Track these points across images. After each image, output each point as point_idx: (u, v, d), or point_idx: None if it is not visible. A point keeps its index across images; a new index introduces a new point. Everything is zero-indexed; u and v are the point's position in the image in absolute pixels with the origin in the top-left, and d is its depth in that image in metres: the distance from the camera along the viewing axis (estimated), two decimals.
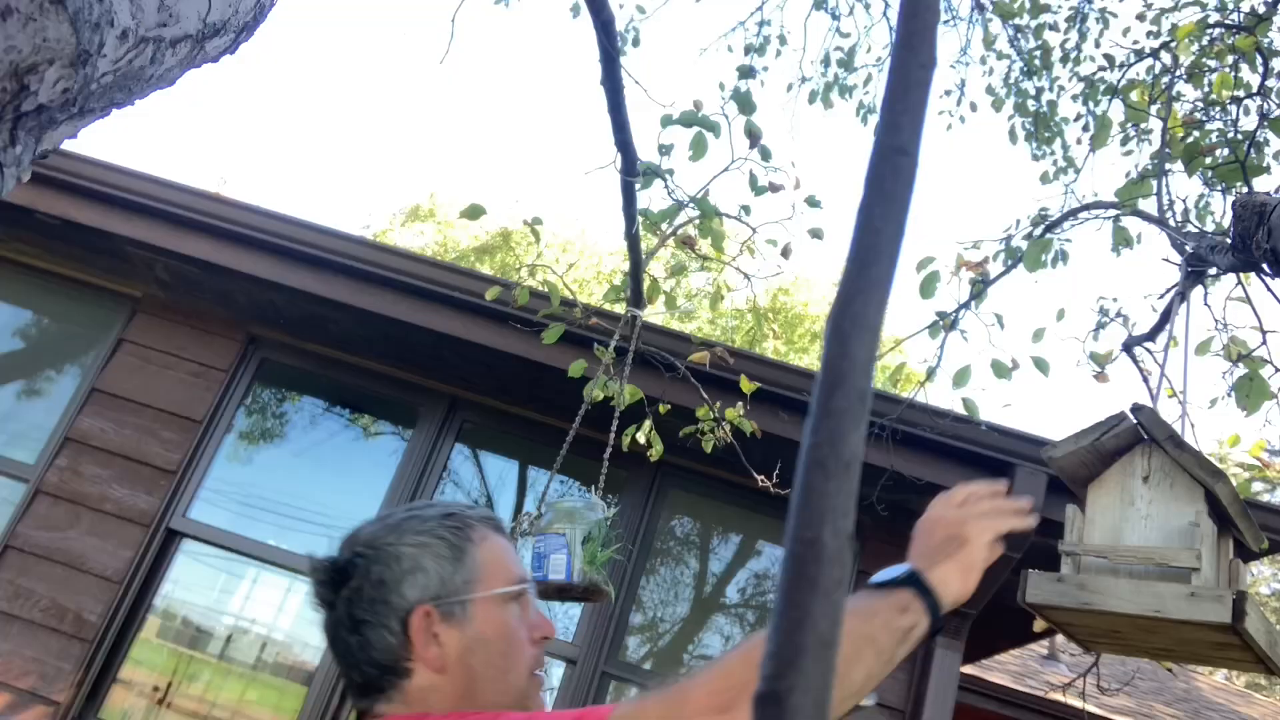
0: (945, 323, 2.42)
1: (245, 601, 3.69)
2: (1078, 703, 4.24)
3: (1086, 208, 2.25)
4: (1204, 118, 3.12)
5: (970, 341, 2.47)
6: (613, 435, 2.31)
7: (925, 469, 3.29)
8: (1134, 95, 3.00)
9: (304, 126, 36.94)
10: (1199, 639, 1.03)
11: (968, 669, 6.11)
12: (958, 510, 1.01)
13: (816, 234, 2.40)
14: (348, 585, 1.02)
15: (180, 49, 0.79)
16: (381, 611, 0.99)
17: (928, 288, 2.40)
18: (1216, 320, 2.05)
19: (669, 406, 2.94)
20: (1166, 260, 1.63)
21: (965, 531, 0.98)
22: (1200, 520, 1.03)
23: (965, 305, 2.41)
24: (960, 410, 2.59)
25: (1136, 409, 1.11)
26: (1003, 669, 6.86)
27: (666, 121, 2.14)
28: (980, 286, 2.39)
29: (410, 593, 1.00)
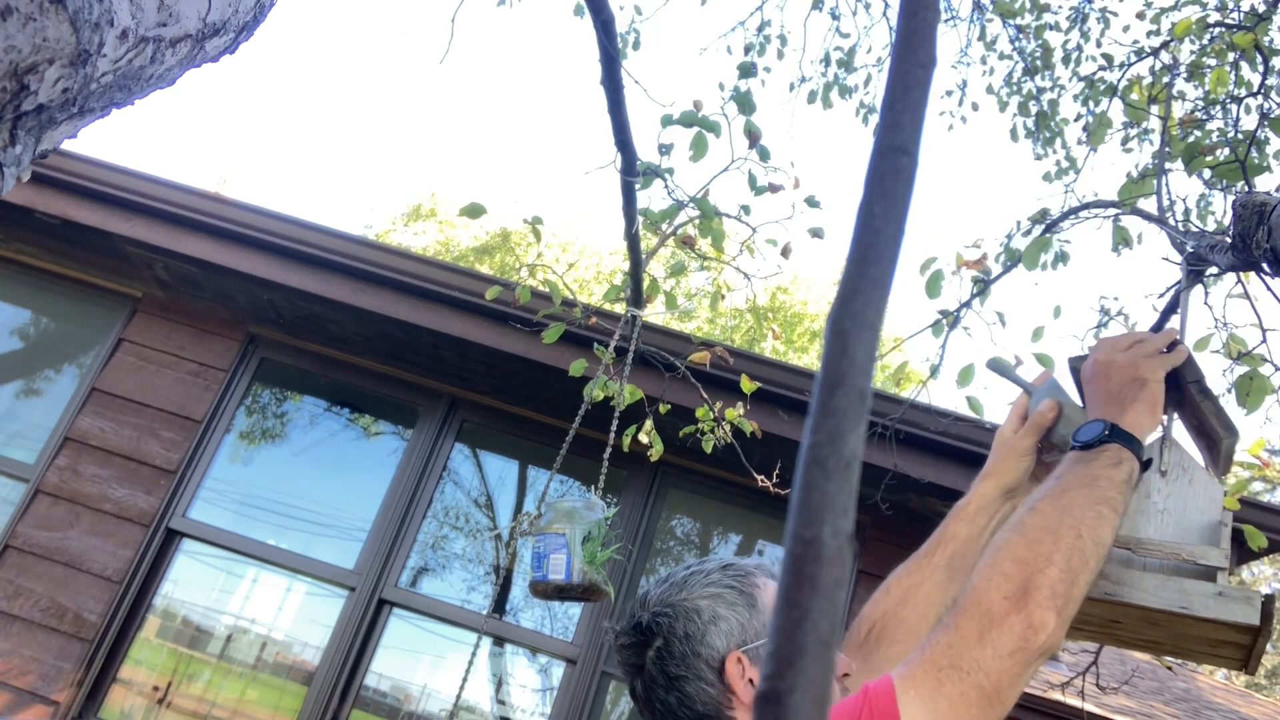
0: (948, 320, 2.42)
1: (245, 601, 3.69)
2: (1077, 702, 4.24)
3: (1086, 206, 2.25)
4: (1204, 117, 3.12)
5: (973, 339, 2.47)
6: (612, 435, 2.31)
7: (926, 469, 3.29)
8: (1134, 95, 3.01)
9: (304, 126, 36.95)
10: (1203, 635, 1.03)
11: None
12: (1128, 353, 1.06)
13: (816, 233, 2.40)
14: (653, 646, 1.05)
15: (180, 49, 0.79)
16: (694, 664, 1.02)
17: (933, 287, 2.40)
18: (1216, 319, 2.04)
19: (669, 406, 2.94)
20: (1167, 260, 1.62)
21: (1142, 372, 1.04)
22: (1226, 520, 1.02)
23: (967, 304, 2.41)
24: (963, 409, 2.59)
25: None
26: None
27: (666, 121, 2.13)
28: (982, 285, 2.39)
29: (717, 642, 1.03)
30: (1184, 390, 1.07)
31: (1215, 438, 1.07)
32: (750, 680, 1.01)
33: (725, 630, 1.03)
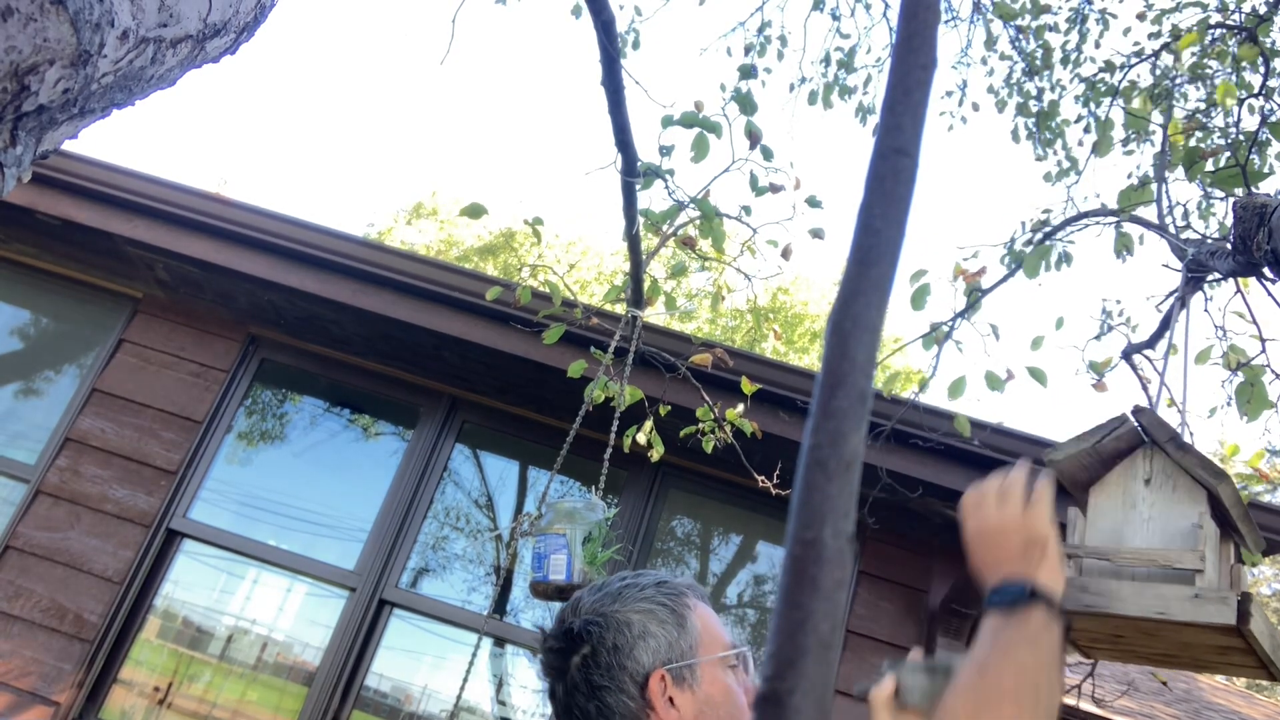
0: (939, 335, 2.42)
1: (245, 602, 3.69)
2: (1075, 702, 4.24)
3: (1085, 215, 2.25)
4: (1206, 119, 3.12)
5: (965, 352, 2.48)
6: (613, 436, 2.31)
7: (924, 469, 3.29)
8: (1135, 101, 3.00)
9: (305, 126, 36.95)
10: (1202, 643, 1.03)
11: None
12: (1003, 514, 1.00)
13: (817, 234, 2.40)
14: (579, 653, 1.06)
15: (181, 49, 0.79)
16: (619, 677, 1.04)
17: (918, 300, 2.40)
18: (1217, 328, 2.04)
19: (669, 407, 2.94)
20: (1167, 266, 1.62)
21: (1035, 532, 0.98)
22: (1203, 522, 1.02)
23: (961, 315, 2.41)
24: (963, 409, 2.59)
25: (1137, 411, 1.10)
26: None
27: (667, 122, 2.14)
28: (975, 296, 2.39)
29: (644, 657, 1.04)
30: (1164, 451, 1.07)
31: (1209, 488, 1.06)
32: (670, 699, 1.02)
33: (653, 647, 1.05)
